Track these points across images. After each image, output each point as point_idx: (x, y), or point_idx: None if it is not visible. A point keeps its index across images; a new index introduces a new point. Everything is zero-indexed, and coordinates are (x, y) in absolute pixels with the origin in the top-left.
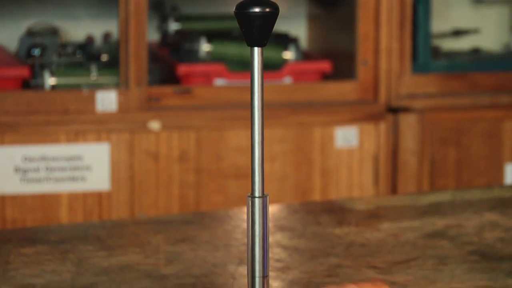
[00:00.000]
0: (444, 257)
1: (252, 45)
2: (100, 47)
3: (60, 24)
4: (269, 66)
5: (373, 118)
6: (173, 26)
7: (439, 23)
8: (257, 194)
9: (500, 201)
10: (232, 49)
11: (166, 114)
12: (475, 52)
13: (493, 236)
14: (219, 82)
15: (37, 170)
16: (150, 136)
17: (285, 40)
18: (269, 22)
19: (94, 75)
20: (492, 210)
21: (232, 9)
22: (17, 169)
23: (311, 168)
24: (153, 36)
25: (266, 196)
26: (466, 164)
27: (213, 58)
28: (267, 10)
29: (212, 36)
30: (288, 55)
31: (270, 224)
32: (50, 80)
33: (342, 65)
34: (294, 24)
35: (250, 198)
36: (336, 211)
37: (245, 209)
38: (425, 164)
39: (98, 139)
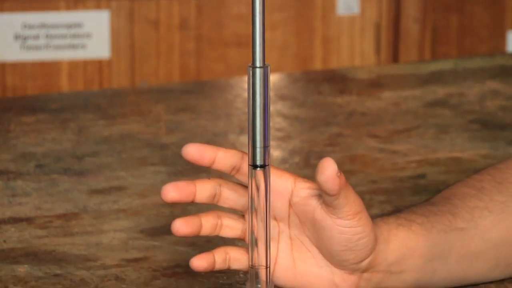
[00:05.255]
0: (445, 125)
1: None
2: None
3: None
4: None
5: None
6: None
7: None
8: (257, 64)
9: (502, 69)
10: None
11: None
12: None
13: (494, 105)
14: None
15: (37, 37)
16: (150, 4)
17: None
18: None
19: None
20: (494, 78)
21: None
22: (17, 37)
23: (312, 36)
24: None
25: (267, 66)
26: (468, 31)
27: None
28: None
29: None
30: None
31: (271, 94)
32: None
33: None
34: None
35: (250, 68)
36: (337, 80)
37: (246, 78)
38: (427, 32)
39: (98, 6)
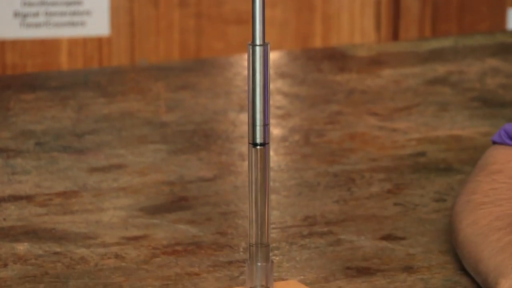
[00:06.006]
0: (445, 103)
1: None
2: None
3: None
4: None
5: None
6: None
7: None
8: (257, 42)
9: (502, 47)
10: None
11: None
12: None
13: (494, 82)
14: None
15: (36, 15)
16: None
17: None
18: None
19: None
20: (494, 56)
21: None
22: (16, 14)
23: (312, 13)
24: None
25: (267, 44)
26: (468, 8)
27: None
28: None
29: None
30: None
31: (271, 71)
32: None
33: None
34: None
35: (250, 46)
36: (337, 58)
37: (246, 56)
38: (427, 9)
39: None
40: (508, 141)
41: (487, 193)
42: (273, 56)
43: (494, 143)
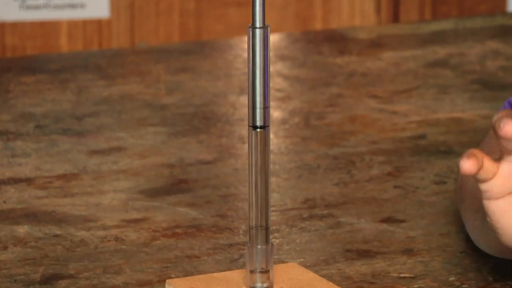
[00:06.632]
0: (445, 86)
1: None
2: None
3: None
4: None
5: None
6: None
7: None
8: (257, 24)
9: (502, 29)
10: None
11: None
12: None
13: (495, 65)
14: None
15: None
16: None
17: None
18: None
19: None
20: (494, 38)
21: None
22: None
23: None
24: None
25: (267, 27)
26: None
27: None
28: None
29: None
30: None
31: (271, 54)
32: None
33: None
34: None
35: (250, 29)
36: (337, 40)
37: (246, 38)
38: None
39: None
40: None
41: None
42: (273, 38)
43: None
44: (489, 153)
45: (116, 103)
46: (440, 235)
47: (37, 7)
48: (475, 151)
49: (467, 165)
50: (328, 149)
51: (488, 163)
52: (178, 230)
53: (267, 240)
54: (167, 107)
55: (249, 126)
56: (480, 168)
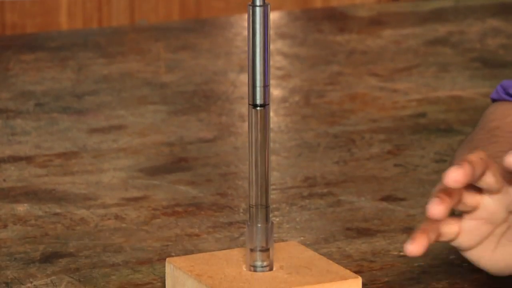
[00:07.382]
0: (446, 64)
1: None
2: None
3: None
4: None
5: None
6: None
7: None
8: (257, 3)
9: (503, 7)
10: None
11: None
12: None
13: (495, 43)
14: None
15: None
16: None
17: None
18: None
19: None
20: (494, 16)
21: None
22: None
23: None
24: None
25: (267, 5)
26: None
27: None
28: None
29: None
30: None
31: (271, 32)
32: None
33: None
34: None
35: (250, 7)
36: (337, 18)
37: (246, 16)
38: None
39: None
40: (504, 96)
41: (487, 148)
42: (273, 16)
43: (493, 101)
44: (476, 145)
45: (116, 81)
46: None
47: None
48: (443, 197)
49: (434, 210)
50: (328, 127)
51: (450, 226)
52: (178, 209)
53: (267, 219)
54: (167, 85)
55: (249, 104)
56: (448, 211)
